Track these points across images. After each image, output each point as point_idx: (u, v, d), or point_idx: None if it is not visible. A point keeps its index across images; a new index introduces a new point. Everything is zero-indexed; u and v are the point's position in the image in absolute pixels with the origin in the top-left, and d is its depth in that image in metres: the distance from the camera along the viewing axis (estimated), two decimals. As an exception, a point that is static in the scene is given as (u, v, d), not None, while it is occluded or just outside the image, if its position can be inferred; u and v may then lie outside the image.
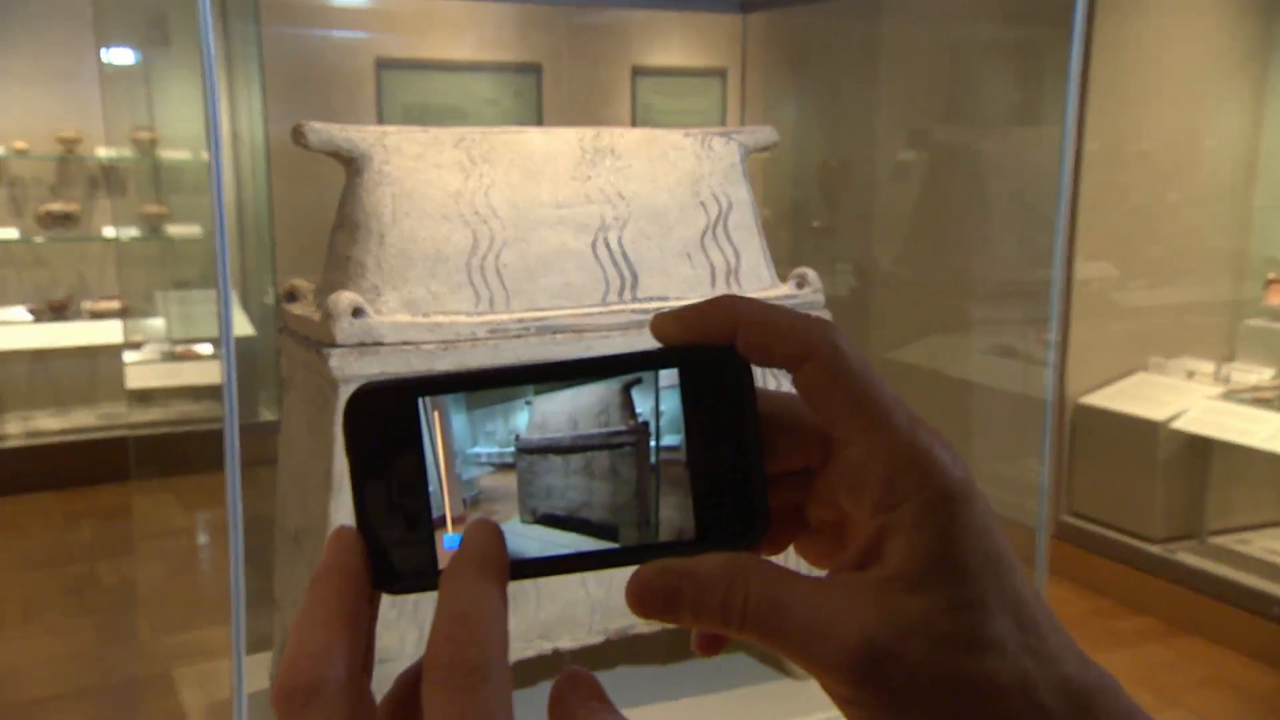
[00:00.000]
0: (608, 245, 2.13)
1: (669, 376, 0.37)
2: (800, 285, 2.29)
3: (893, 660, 0.32)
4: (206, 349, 4.33)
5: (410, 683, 0.36)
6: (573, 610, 2.09)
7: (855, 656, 0.33)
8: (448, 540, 0.36)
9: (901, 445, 0.34)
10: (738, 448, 0.36)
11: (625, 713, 0.34)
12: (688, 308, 0.37)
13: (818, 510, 0.38)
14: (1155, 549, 3.37)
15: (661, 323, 0.37)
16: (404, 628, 1.87)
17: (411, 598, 1.89)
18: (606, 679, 0.36)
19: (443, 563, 0.36)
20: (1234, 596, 3.14)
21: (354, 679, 0.33)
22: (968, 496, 0.34)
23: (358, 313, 1.87)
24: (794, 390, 0.36)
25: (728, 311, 0.36)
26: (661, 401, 0.37)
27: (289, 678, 0.32)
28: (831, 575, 0.35)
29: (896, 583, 0.33)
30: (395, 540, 0.36)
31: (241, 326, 3.85)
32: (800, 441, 0.37)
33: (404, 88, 3.92)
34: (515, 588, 2.10)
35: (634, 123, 4.09)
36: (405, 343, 1.90)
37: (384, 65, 3.85)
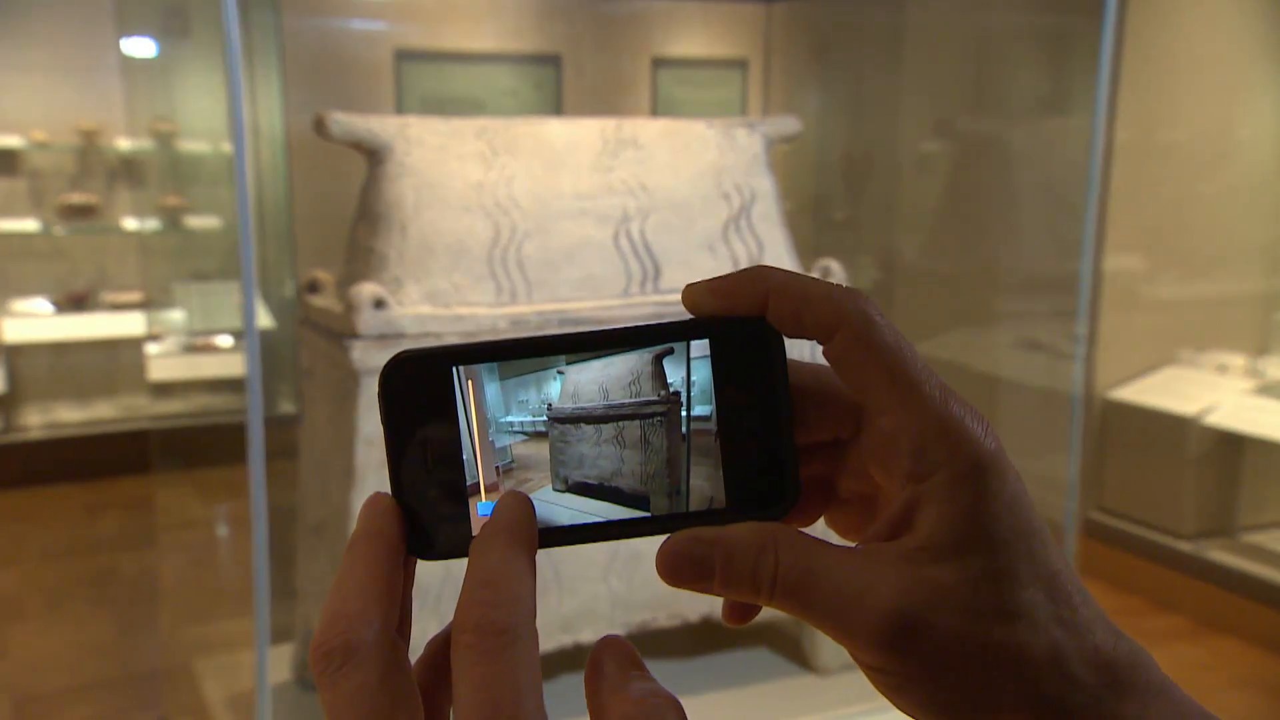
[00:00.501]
0: (630, 237, 2.10)
1: (700, 347, 0.37)
2: (824, 277, 2.26)
3: (923, 630, 0.32)
4: (226, 341, 4.33)
5: (440, 648, 0.36)
6: (594, 604, 2.07)
7: (885, 626, 0.33)
8: (482, 508, 0.37)
9: (933, 416, 0.34)
10: (768, 418, 0.37)
11: None
12: (719, 278, 0.37)
13: (848, 482, 0.38)
14: (1185, 546, 3.32)
15: (693, 293, 0.37)
16: (425, 620, 1.85)
17: (434, 590, 1.88)
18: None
19: (476, 530, 0.36)
20: (1266, 595, 3.09)
21: (389, 641, 0.33)
22: (1000, 467, 0.34)
23: (379, 304, 1.85)
24: (824, 361, 0.36)
25: (759, 282, 0.36)
26: (693, 372, 0.37)
27: (326, 638, 0.32)
28: (862, 545, 0.35)
29: (927, 553, 0.33)
30: (430, 507, 0.36)
31: (261, 319, 3.85)
32: (831, 412, 0.37)
33: (423, 78, 3.90)
34: (538, 581, 2.08)
35: (654, 114, 4.06)
36: (427, 334, 1.88)
37: (403, 56, 3.83)
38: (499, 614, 0.31)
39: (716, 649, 2.32)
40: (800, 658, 2.31)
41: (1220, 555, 3.27)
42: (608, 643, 0.35)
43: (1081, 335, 2.44)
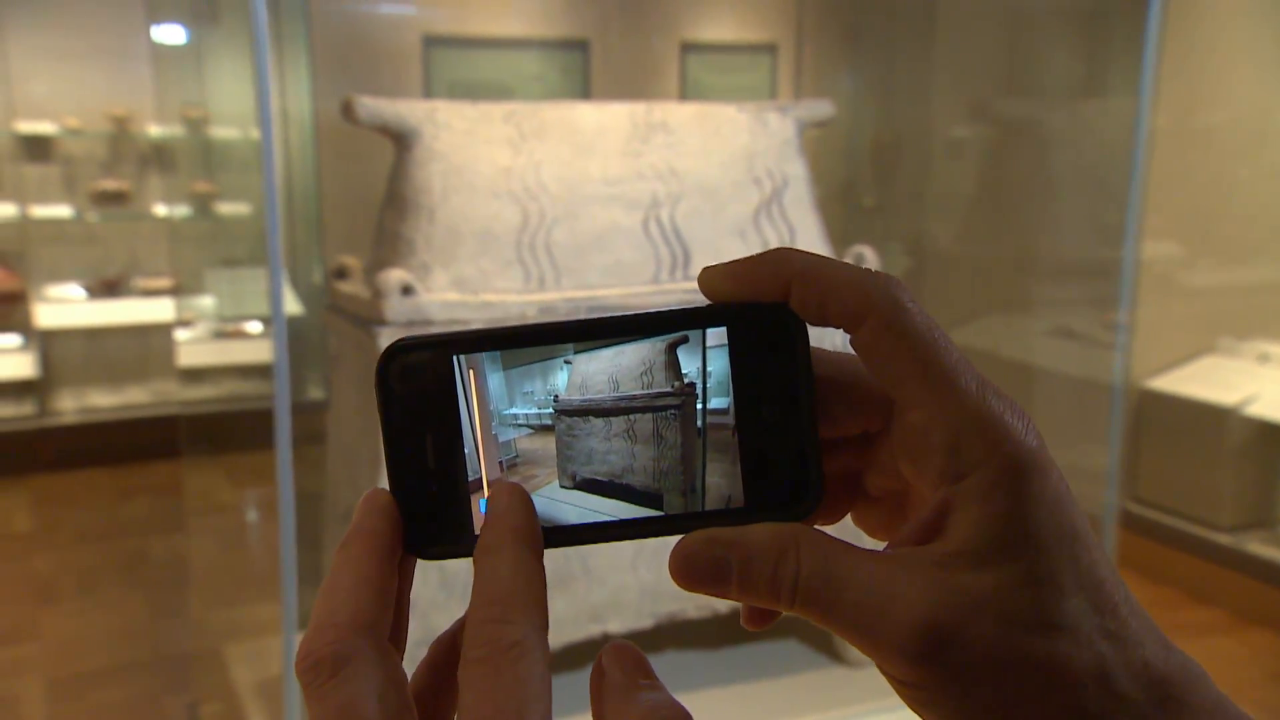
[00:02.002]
0: (659, 223, 2.08)
1: (718, 335, 0.35)
2: (856, 264, 2.22)
3: (956, 642, 0.30)
4: (256, 327, 4.35)
5: (444, 650, 0.35)
6: (622, 594, 2.06)
7: (915, 637, 0.30)
8: (484, 505, 0.34)
9: (969, 410, 0.32)
10: (790, 411, 0.34)
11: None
12: (739, 261, 0.34)
13: (876, 479, 0.36)
14: (1224, 538, 3.26)
15: (711, 277, 0.35)
16: (455, 609, 1.85)
17: (462, 580, 1.87)
18: (655, 664, 0.33)
19: (479, 527, 0.34)
20: (1306, 588, 3.04)
21: (382, 648, 0.32)
22: (1042, 466, 0.31)
23: (407, 291, 1.84)
24: (851, 350, 0.34)
25: (781, 265, 0.34)
26: (710, 361, 0.35)
27: (313, 647, 0.31)
28: (891, 549, 0.33)
29: (962, 558, 0.31)
30: (429, 503, 0.35)
31: (290, 305, 3.86)
32: (858, 405, 0.35)
33: (450, 64, 3.89)
34: (565, 570, 2.08)
35: (683, 99, 4.03)
36: (454, 321, 1.87)
37: (430, 42, 3.82)
38: (510, 630, 0.30)
39: (746, 640, 2.31)
40: (830, 649, 2.29)
41: (1259, 548, 3.21)
42: (614, 649, 0.33)
43: (1122, 324, 2.40)
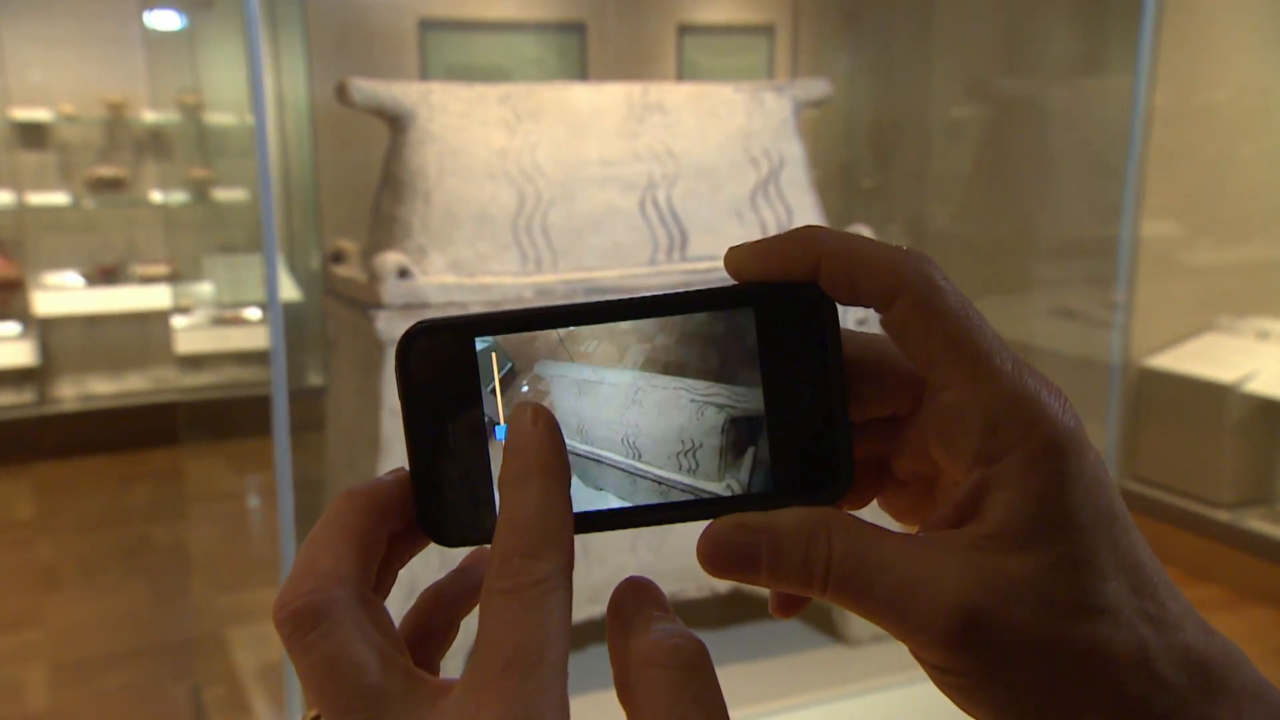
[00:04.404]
0: (656, 204, 2.07)
1: (746, 315, 0.34)
2: (855, 244, 2.22)
3: (993, 626, 0.30)
4: (254, 313, 4.35)
5: (434, 598, 0.36)
6: (622, 574, 2.05)
7: (951, 621, 0.30)
8: (500, 431, 0.34)
9: (1005, 391, 0.31)
10: (820, 393, 0.34)
11: None
12: (766, 240, 0.34)
13: (907, 462, 0.35)
14: (1223, 515, 3.27)
15: (737, 256, 0.34)
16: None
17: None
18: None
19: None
20: (1305, 565, 3.05)
21: (364, 596, 0.31)
22: (1080, 447, 0.31)
23: (404, 274, 1.84)
24: (881, 330, 0.34)
25: (810, 244, 0.33)
26: (737, 342, 0.34)
27: (290, 597, 0.30)
28: (924, 533, 0.32)
29: (998, 541, 0.30)
30: (450, 490, 0.34)
31: (287, 290, 3.86)
32: (889, 387, 0.34)
33: (447, 48, 3.87)
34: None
35: (680, 81, 4.01)
36: (451, 304, 1.87)
37: (427, 25, 3.80)
38: (539, 566, 0.30)
39: (746, 620, 2.31)
40: (830, 628, 2.30)
41: (1259, 524, 3.21)
42: (630, 583, 0.33)
43: (1120, 303, 2.39)
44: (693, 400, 0.34)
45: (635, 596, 0.32)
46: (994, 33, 3.62)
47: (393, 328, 1.83)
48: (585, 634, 2.01)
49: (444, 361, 0.34)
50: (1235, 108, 3.54)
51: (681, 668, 0.30)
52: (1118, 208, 2.30)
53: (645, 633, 0.31)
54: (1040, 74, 3.50)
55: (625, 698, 0.31)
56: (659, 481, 0.34)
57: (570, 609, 0.30)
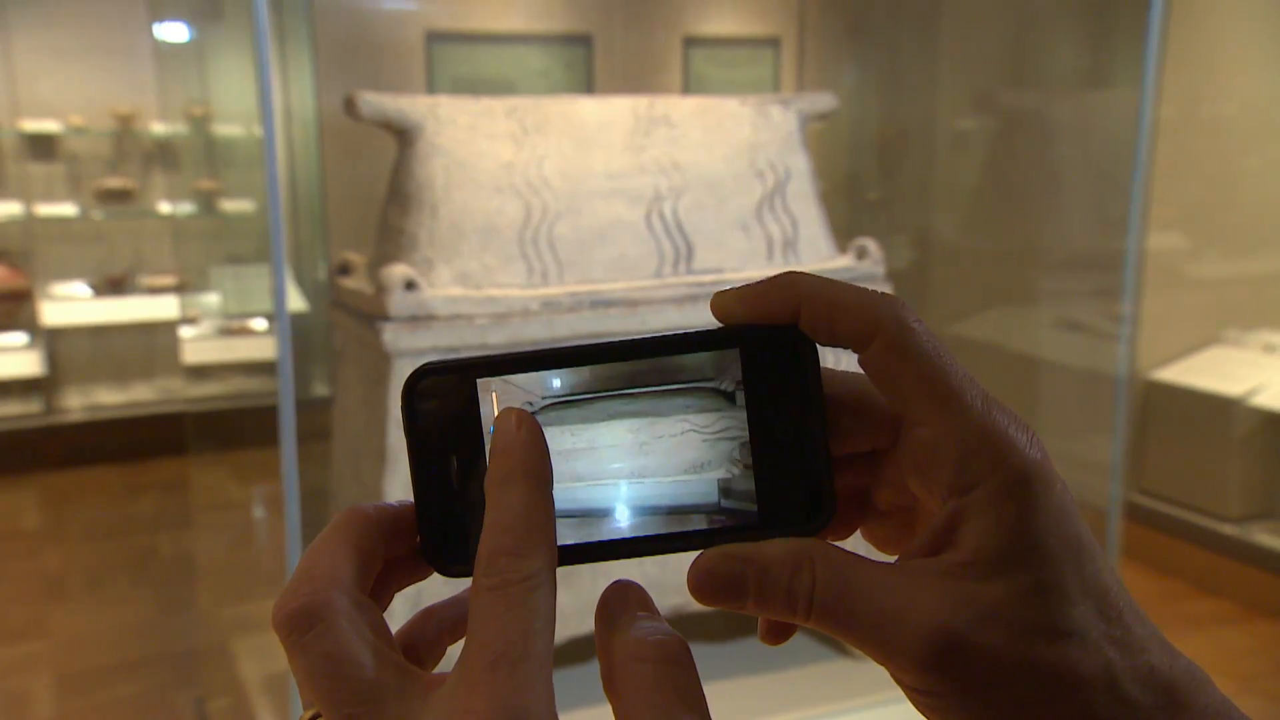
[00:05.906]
0: (662, 217, 2.08)
1: (728, 355, 0.36)
2: (860, 256, 2.22)
3: (967, 649, 0.31)
4: (261, 324, 4.36)
5: (423, 618, 0.38)
6: (628, 588, 2.06)
7: (927, 645, 0.31)
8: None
9: (975, 426, 0.33)
10: (803, 429, 0.35)
11: None
12: (749, 286, 0.36)
13: (886, 494, 0.37)
14: (1230, 529, 3.26)
15: (722, 302, 0.36)
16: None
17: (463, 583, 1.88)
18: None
19: None
20: (1313, 579, 3.03)
21: (359, 600, 0.33)
22: (1046, 479, 0.32)
23: (410, 286, 1.84)
24: (860, 370, 0.36)
25: (790, 289, 0.35)
26: (722, 380, 0.36)
27: (289, 600, 0.31)
28: (902, 561, 0.34)
29: (971, 568, 0.32)
30: (451, 522, 0.36)
31: (294, 302, 3.87)
32: (867, 423, 0.36)
33: (454, 60, 3.88)
34: (569, 567, 2.08)
35: (686, 94, 4.02)
36: (458, 316, 1.87)
37: (434, 37, 3.82)
38: (525, 563, 0.31)
39: (751, 633, 2.31)
40: (835, 642, 2.29)
41: (1266, 538, 3.20)
42: (617, 586, 0.34)
43: (1126, 315, 2.39)
44: (683, 436, 0.36)
45: (621, 597, 0.34)
46: (999, 45, 3.62)
47: (399, 340, 1.84)
48: (590, 647, 2.01)
49: (448, 402, 0.36)
50: (1241, 120, 3.54)
51: (664, 661, 0.31)
52: (1124, 220, 2.30)
53: (630, 629, 0.32)
54: (1046, 86, 3.50)
55: (611, 690, 0.32)
56: (651, 513, 0.36)
57: (554, 604, 0.32)
